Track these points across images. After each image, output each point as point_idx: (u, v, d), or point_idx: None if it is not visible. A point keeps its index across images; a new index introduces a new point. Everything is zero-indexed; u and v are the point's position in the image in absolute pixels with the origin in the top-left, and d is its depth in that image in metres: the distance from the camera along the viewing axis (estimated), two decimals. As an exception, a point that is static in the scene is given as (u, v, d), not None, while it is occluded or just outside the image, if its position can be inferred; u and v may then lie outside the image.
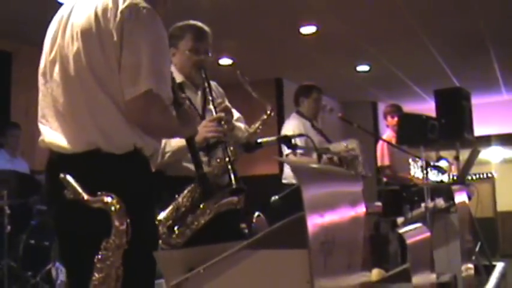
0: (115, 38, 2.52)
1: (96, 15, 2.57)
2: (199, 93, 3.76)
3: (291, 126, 6.22)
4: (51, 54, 2.69)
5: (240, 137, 3.71)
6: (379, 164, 7.78)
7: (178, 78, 3.67)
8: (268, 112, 3.79)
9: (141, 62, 2.50)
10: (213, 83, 3.84)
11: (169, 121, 2.71)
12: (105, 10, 2.56)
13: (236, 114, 3.87)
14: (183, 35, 3.72)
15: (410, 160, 7.08)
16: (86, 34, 2.58)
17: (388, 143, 7.20)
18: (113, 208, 2.13)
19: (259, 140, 3.49)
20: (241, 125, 3.82)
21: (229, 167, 3.26)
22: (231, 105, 3.82)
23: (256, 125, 3.77)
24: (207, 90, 3.59)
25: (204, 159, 3.46)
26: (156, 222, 3.20)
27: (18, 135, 7.52)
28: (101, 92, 2.55)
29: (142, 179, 2.69)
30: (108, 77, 2.54)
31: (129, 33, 2.53)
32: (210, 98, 3.56)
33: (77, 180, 2.21)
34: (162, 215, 3.36)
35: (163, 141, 3.48)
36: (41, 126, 2.70)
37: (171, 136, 3.20)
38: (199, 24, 3.77)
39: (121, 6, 2.56)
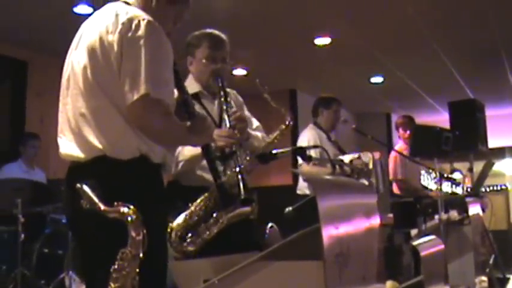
0: (116, 49, 2.61)
1: (100, 30, 2.67)
2: (216, 102, 3.76)
3: (307, 137, 6.22)
4: (67, 71, 2.81)
5: (257, 146, 3.71)
6: (391, 177, 7.76)
7: (196, 87, 3.69)
8: (287, 122, 3.80)
9: (139, 68, 2.56)
10: (232, 92, 3.85)
11: (172, 126, 2.73)
12: (108, 24, 2.66)
13: (255, 123, 3.88)
14: (199, 44, 3.73)
15: (423, 172, 7.06)
16: (90, 49, 2.67)
17: (402, 154, 7.18)
18: (129, 218, 2.14)
19: (273, 151, 3.48)
20: (258, 134, 3.82)
21: (239, 177, 3.26)
22: (250, 114, 3.83)
23: (275, 134, 3.78)
24: (222, 99, 3.59)
25: (220, 168, 3.46)
26: (167, 231, 3.21)
27: (37, 146, 7.54)
28: (107, 101, 2.63)
29: (149, 185, 2.72)
30: (113, 87, 2.62)
31: (129, 43, 2.60)
32: (225, 107, 3.57)
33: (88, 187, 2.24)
34: (174, 223, 3.36)
35: (177, 150, 3.50)
36: (59, 141, 2.79)
37: (181, 143, 3.21)
38: (216, 32, 3.77)
39: (122, 19, 2.65)
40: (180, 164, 3.55)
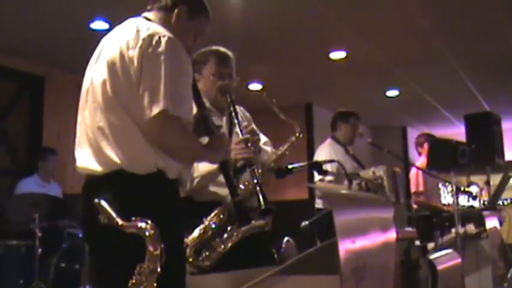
0: (136, 64, 2.63)
1: (121, 45, 2.69)
2: (225, 118, 3.78)
3: (324, 152, 6.23)
4: (86, 84, 2.83)
5: (266, 159, 3.72)
6: (413, 190, 7.73)
7: None
8: (297, 134, 3.81)
9: (159, 85, 2.58)
10: (240, 108, 3.86)
11: (189, 143, 2.75)
12: (129, 40, 2.68)
13: (263, 138, 3.88)
14: (206, 61, 3.76)
15: (440, 185, 7.03)
16: (110, 63, 2.69)
17: (422, 170, 7.16)
18: (146, 233, 2.15)
19: (290, 166, 3.49)
20: (267, 148, 3.83)
21: (258, 188, 3.26)
22: (258, 130, 3.85)
23: (285, 147, 3.79)
24: (233, 114, 3.62)
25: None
26: (184, 246, 3.21)
27: (56, 161, 7.58)
28: (125, 116, 2.65)
29: (166, 199, 2.73)
30: (132, 101, 2.63)
31: (149, 59, 2.62)
32: (236, 121, 3.58)
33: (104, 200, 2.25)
34: (189, 238, 3.37)
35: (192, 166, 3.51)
36: (76, 153, 2.80)
37: (198, 160, 3.21)
38: (222, 49, 3.81)
39: (143, 35, 2.67)
40: (196, 181, 3.55)
